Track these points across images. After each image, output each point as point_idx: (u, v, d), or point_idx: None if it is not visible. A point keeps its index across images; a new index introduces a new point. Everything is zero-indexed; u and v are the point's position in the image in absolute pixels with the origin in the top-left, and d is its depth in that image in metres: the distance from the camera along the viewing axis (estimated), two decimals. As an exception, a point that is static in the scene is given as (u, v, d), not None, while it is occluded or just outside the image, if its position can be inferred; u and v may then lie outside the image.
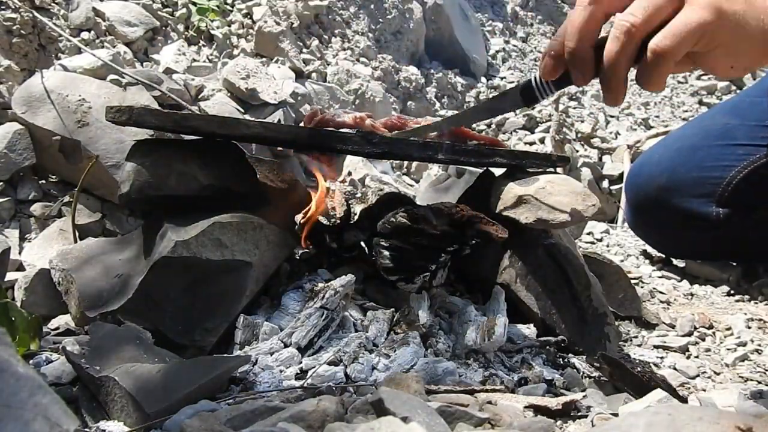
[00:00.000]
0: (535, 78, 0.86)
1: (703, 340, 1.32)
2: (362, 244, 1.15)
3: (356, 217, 1.13)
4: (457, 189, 1.34)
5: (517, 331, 1.10)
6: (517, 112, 2.59)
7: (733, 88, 3.21)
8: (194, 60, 1.86)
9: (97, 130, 1.35)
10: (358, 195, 1.20)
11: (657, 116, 2.92)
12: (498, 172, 1.23)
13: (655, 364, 1.16)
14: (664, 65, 0.74)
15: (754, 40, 0.76)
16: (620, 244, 1.91)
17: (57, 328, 1.03)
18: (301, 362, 0.92)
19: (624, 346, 1.23)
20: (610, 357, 1.00)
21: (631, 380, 0.96)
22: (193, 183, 1.02)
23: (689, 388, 1.08)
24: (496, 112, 1.07)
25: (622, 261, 1.76)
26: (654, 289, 1.57)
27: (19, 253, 1.29)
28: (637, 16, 0.73)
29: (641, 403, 0.87)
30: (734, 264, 1.69)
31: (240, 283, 1.00)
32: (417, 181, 2.06)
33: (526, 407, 0.84)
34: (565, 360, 1.09)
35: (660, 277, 1.67)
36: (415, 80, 2.37)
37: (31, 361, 0.91)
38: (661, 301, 1.50)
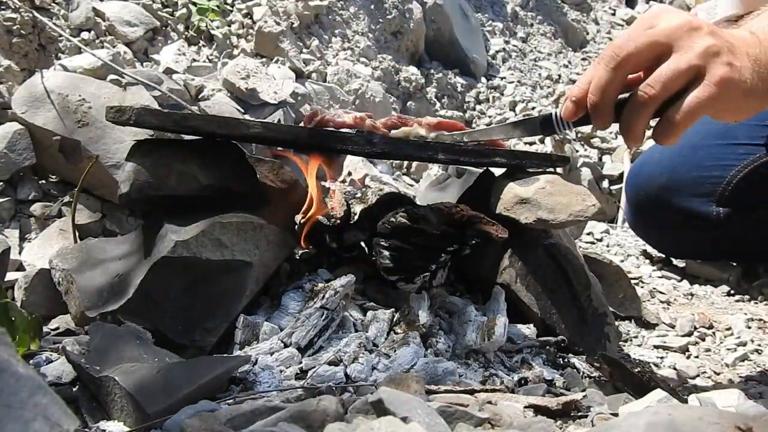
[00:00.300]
0: (556, 114, 0.94)
1: (703, 340, 1.32)
2: (362, 244, 1.14)
3: (356, 217, 1.13)
4: (457, 189, 1.33)
5: (517, 331, 1.10)
6: (518, 111, 2.59)
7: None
8: (194, 60, 1.86)
9: (97, 130, 1.35)
10: (358, 195, 1.20)
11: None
12: (498, 172, 1.23)
13: (655, 364, 1.16)
14: (677, 131, 0.84)
15: (762, 97, 0.85)
16: (620, 244, 1.91)
17: (57, 328, 1.03)
18: (301, 362, 0.92)
19: (624, 346, 1.23)
20: (610, 357, 1.00)
21: (631, 380, 0.96)
22: (193, 183, 1.02)
23: (689, 388, 1.08)
24: (512, 136, 1.14)
25: (622, 261, 1.76)
26: (654, 289, 1.57)
27: (19, 253, 1.29)
28: (655, 88, 0.82)
29: (641, 403, 0.87)
30: (734, 264, 1.69)
31: (240, 283, 1.00)
32: (417, 181, 2.06)
33: (526, 407, 0.84)
34: (565, 360, 1.09)
35: (660, 277, 1.67)
36: (415, 80, 2.37)
37: (31, 361, 0.91)
38: (661, 301, 1.50)
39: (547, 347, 1.10)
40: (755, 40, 0.86)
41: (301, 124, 1.20)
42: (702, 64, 0.81)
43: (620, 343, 1.22)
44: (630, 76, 0.86)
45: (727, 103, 0.83)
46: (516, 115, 2.56)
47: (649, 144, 2.21)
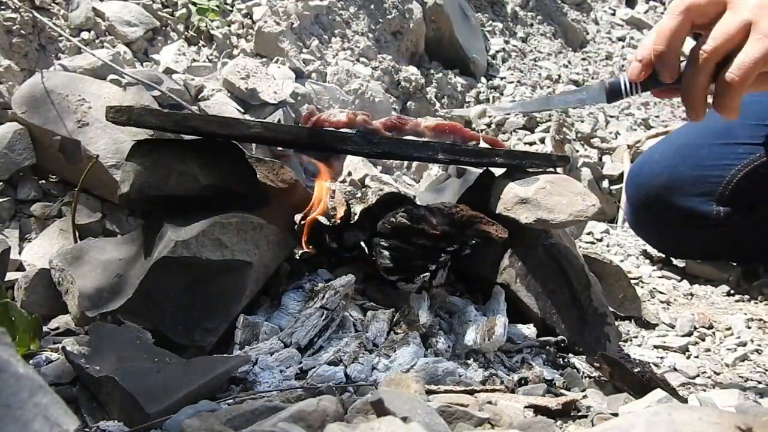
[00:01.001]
0: (624, 80, 0.95)
1: (703, 340, 1.32)
2: (362, 244, 1.14)
3: (356, 217, 1.13)
4: (457, 189, 1.33)
5: (517, 331, 1.10)
6: (516, 113, 2.58)
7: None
8: (194, 60, 1.85)
9: (97, 130, 1.35)
10: (358, 195, 1.20)
11: (657, 116, 2.92)
12: (498, 172, 1.23)
13: (655, 364, 1.16)
14: (734, 94, 0.86)
15: None
16: (620, 244, 1.91)
17: (57, 328, 1.03)
18: (301, 362, 0.93)
19: (624, 346, 1.23)
20: (610, 357, 1.00)
21: (631, 380, 0.96)
22: (193, 183, 1.02)
23: (689, 388, 1.08)
24: (573, 104, 1.13)
25: (622, 261, 1.76)
26: (654, 289, 1.57)
27: (19, 253, 1.28)
28: (708, 45, 0.85)
29: (641, 403, 0.87)
30: (734, 264, 1.69)
31: (240, 283, 1.00)
32: (417, 181, 2.06)
33: (526, 407, 0.84)
34: (565, 360, 1.09)
35: (660, 277, 1.67)
36: (415, 80, 2.37)
37: (31, 361, 0.91)
38: (661, 301, 1.50)
39: (547, 347, 1.10)
40: None
41: (300, 125, 1.20)
42: (753, 19, 0.82)
43: (620, 343, 1.22)
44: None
45: None
46: (516, 114, 2.56)
47: (649, 144, 2.21)
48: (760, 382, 1.12)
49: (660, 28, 0.89)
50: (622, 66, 3.31)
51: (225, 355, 0.96)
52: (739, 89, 0.85)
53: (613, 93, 0.97)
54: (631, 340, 1.27)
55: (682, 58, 0.92)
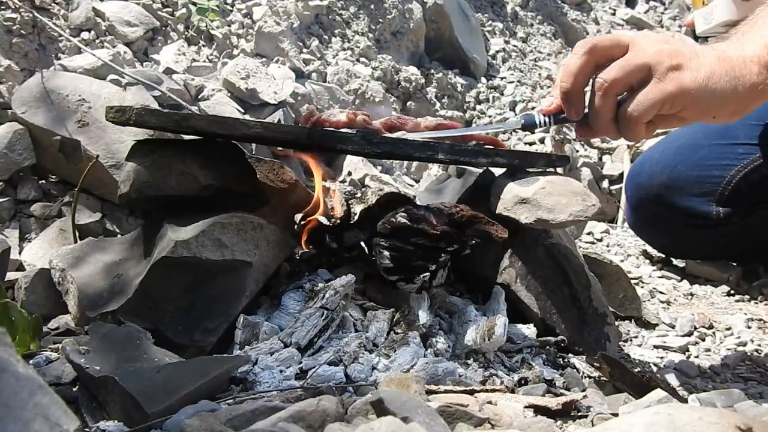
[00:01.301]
0: (539, 115, 1.01)
1: (703, 340, 1.32)
2: (362, 244, 1.14)
3: (356, 217, 1.13)
4: (457, 189, 1.33)
5: (517, 331, 1.10)
6: (517, 111, 2.59)
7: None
8: (194, 60, 1.85)
9: (97, 130, 1.35)
10: (358, 195, 1.20)
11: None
12: (498, 172, 1.23)
13: (655, 364, 1.16)
14: (633, 127, 0.91)
15: (727, 97, 0.88)
16: (620, 244, 1.91)
17: (57, 328, 1.03)
18: (301, 362, 0.92)
19: (624, 346, 1.23)
20: (610, 357, 1.00)
21: (631, 380, 0.96)
22: (193, 183, 1.02)
23: (689, 388, 1.08)
24: (493, 130, 1.26)
25: (622, 261, 1.76)
26: (654, 289, 1.57)
27: (19, 253, 1.28)
28: (610, 75, 0.90)
29: (641, 403, 0.87)
30: (734, 264, 1.69)
31: (240, 283, 1.00)
32: (417, 181, 2.06)
33: (526, 407, 0.84)
34: (565, 360, 1.09)
35: (660, 277, 1.67)
36: (415, 80, 2.36)
37: (31, 361, 0.91)
38: (661, 301, 1.50)
39: (547, 347, 1.10)
40: (722, 50, 0.90)
41: (300, 125, 1.20)
42: (653, 63, 0.87)
43: (620, 343, 1.22)
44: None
45: (679, 101, 0.88)
46: (516, 115, 2.56)
47: (649, 144, 2.21)
48: (760, 382, 1.12)
49: (565, 66, 0.93)
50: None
51: (225, 355, 0.96)
52: (637, 124, 0.91)
53: (528, 126, 1.03)
54: (631, 340, 1.27)
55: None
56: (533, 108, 2.58)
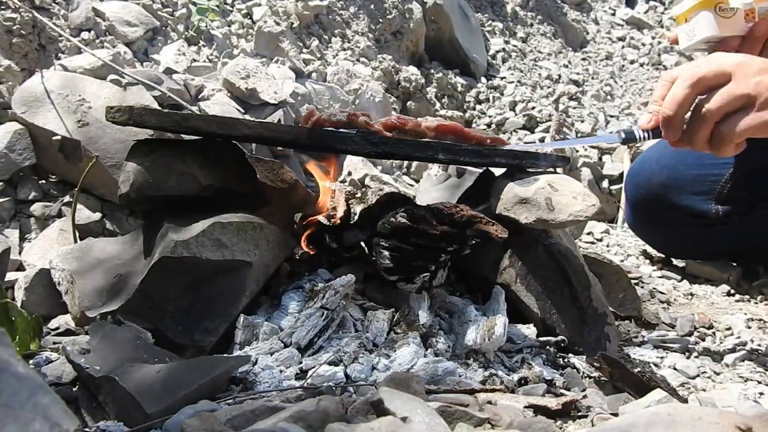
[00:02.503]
0: (637, 130, 1.09)
1: (703, 340, 1.32)
2: (362, 244, 1.14)
3: (356, 217, 1.13)
4: (457, 189, 1.34)
5: (517, 331, 1.10)
6: (518, 111, 2.59)
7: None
8: (194, 60, 1.85)
9: (97, 130, 1.35)
10: (358, 195, 1.20)
11: (657, 116, 2.91)
12: (498, 172, 1.23)
13: (655, 364, 1.16)
14: (726, 147, 1.01)
15: None
16: (620, 244, 1.92)
17: (57, 328, 1.03)
18: (301, 362, 0.92)
19: (624, 346, 1.23)
20: (610, 357, 1.00)
21: (631, 380, 0.96)
22: (193, 183, 1.02)
23: (689, 388, 1.08)
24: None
25: (622, 261, 1.76)
26: (654, 289, 1.57)
27: (19, 253, 1.28)
28: (714, 106, 0.99)
29: (641, 403, 0.87)
30: (734, 264, 1.69)
31: (240, 283, 1.00)
32: (417, 181, 2.06)
33: (526, 407, 0.84)
34: (565, 360, 1.09)
35: (660, 277, 1.67)
36: (415, 80, 2.37)
37: (31, 361, 0.91)
38: (661, 301, 1.50)
39: (547, 347, 1.10)
40: None
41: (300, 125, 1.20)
42: (754, 93, 0.97)
43: (620, 343, 1.22)
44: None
45: None
46: (516, 114, 2.56)
47: (649, 144, 2.21)
48: (760, 382, 1.12)
49: (673, 95, 1.02)
50: (623, 66, 3.32)
51: (225, 355, 0.96)
52: (730, 144, 1.01)
53: (628, 140, 1.11)
54: (631, 340, 1.27)
55: None
56: (533, 108, 2.58)
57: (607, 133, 1.19)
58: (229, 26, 2.05)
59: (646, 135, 1.09)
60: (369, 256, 1.13)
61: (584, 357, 1.10)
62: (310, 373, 0.90)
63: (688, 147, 1.06)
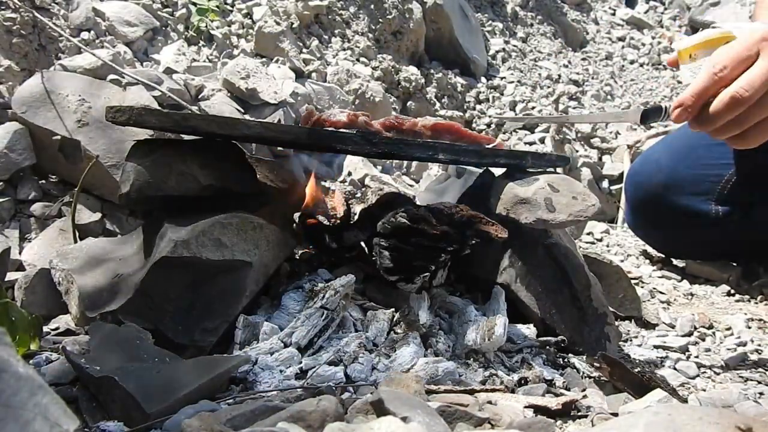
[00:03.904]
0: (666, 107, 1.06)
1: (703, 340, 1.32)
2: (362, 244, 1.14)
3: (356, 217, 1.13)
4: (457, 189, 1.33)
5: (517, 331, 1.10)
6: (517, 111, 2.59)
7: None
8: (194, 60, 1.85)
9: (97, 130, 1.35)
10: (358, 195, 1.20)
11: (657, 116, 2.91)
12: (498, 172, 1.23)
13: (655, 364, 1.16)
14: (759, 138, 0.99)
15: None
16: (620, 244, 1.92)
17: (57, 328, 1.03)
18: (301, 362, 0.92)
19: (624, 346, 1.23)
20: (610, 357, 1.00)
21: (631, 380, 0.96)
22: (193, 183, 1.02)
23: (689, 388, 1.08)
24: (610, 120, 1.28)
25: (622, 261, 1.76)
26: (654, 289, 1.57)
27: (19, 253, 1.28)
28: (748, 89, 0.94)
29: (641, 403, 0.87)
30: (734, 264, 1.69)
31: (240, 283, 1.00)
32: (417, 181, 2.06)
33: (526, 407, 0.84)
34: (565, 360, 1.09)
35: (660, 277, 1.67)
36: (415, 80, 2.37)
37: (31, 361, 0.91)
38: (661, 301, 1.50)
39: (547, 347, 1.10)
40: None
41: (300, 125, 1.20)
42: None
43: (620, 343, 1.22)
44: None
45: None
46: (516, 114, 2.56)
47: (649, 144, 2.21)
48: (760, 382, 1.12)
49: (696, 85, 0.98)
50: (623, 66, 3.32)
51: (225, 355, 0.96)
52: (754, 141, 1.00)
53: (653, 117, 1.09)
54: (631, 340, 1.27)
55: None
56: (533, 108, 2.58)
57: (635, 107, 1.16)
58: (229, 26, 2.05)
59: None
60: (369, 256, 1.13)
61: (584, 357, 1.10)
62: (310, 373, 0.90)
63: (704, 129, 1.02)
